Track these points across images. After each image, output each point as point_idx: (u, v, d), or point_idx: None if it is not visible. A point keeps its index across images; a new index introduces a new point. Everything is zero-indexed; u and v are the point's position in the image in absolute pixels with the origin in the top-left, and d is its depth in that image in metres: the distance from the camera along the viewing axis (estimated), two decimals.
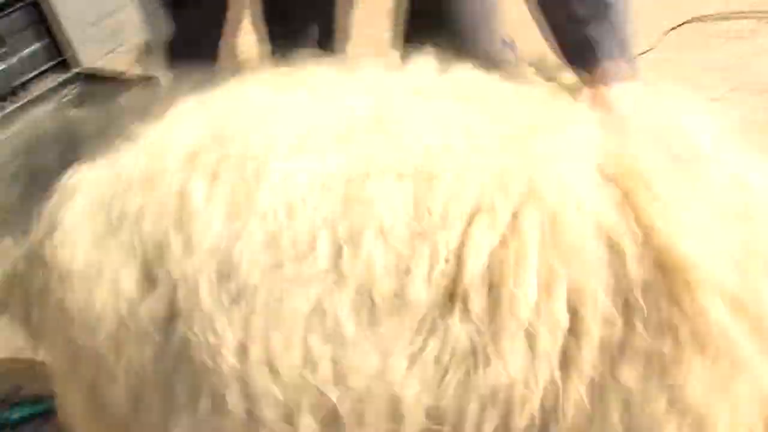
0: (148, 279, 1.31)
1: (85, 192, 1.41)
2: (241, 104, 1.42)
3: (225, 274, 1.25)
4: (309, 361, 1.22)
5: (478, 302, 1.17)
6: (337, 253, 1.21)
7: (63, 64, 3.51)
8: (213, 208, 1.28)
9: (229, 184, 1.28)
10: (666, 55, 3.55)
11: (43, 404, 2.28)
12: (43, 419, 2.27)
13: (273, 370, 1.22)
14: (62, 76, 3.47)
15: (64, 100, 3.39)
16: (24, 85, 3.39)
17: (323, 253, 1.21)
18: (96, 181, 1.41)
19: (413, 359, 1.19)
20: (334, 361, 1.21)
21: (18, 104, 3.32)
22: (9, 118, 3.22)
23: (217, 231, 1.27)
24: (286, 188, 1.25)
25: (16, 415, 2.29)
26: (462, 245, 1.19)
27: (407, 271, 1.19)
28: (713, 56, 3.53)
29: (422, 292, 1.18)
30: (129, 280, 1.32)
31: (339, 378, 1.21)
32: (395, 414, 1.22)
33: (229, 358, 1.23)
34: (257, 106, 1.41)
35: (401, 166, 1.24)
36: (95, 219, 1.37)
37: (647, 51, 3.53)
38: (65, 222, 1.39)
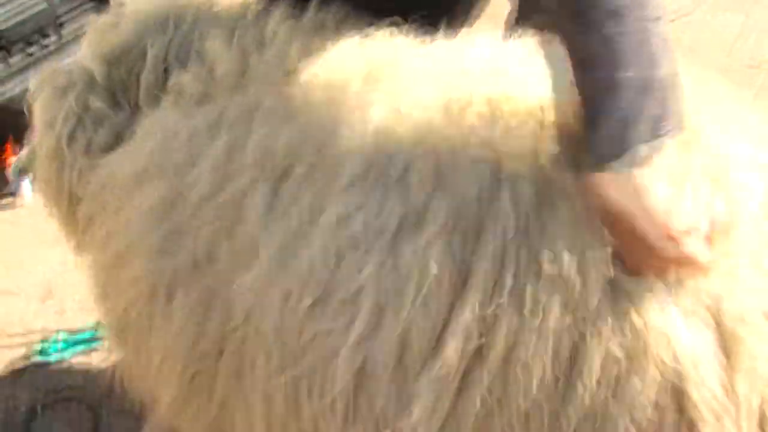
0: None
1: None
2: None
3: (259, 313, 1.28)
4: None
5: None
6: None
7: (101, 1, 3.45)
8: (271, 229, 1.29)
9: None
10: (704, 18, 3.54)
11: (78, 341, 2.41)
12: (81, 353, 2.39)
13: None
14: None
15: None
16: (63, 23, 3.34)
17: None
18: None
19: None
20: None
21: (59, 39, 3.30)
22: (52, 54, 3.22)
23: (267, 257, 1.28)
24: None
25: (56, 350, 2.38)
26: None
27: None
28: (750, 21, 3.51)
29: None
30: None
31: None
32: None
33: None
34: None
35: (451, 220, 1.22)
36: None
37: (687, 14, 3.53)
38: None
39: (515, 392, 1.20)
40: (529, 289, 1.18)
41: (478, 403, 1.21)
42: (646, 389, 1.16)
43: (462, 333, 1.19)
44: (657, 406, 1.16)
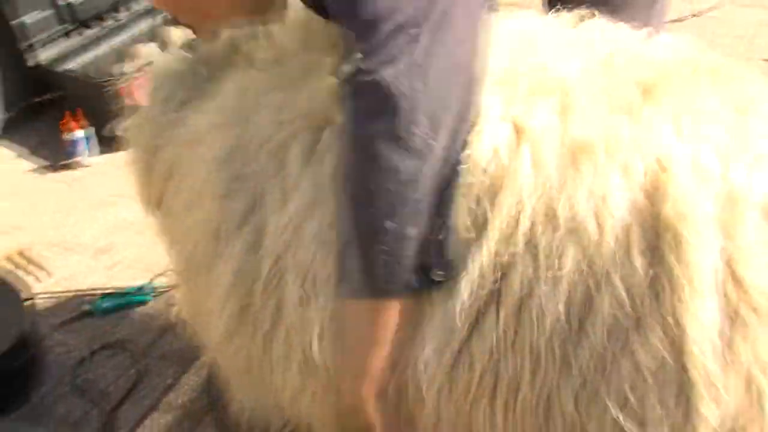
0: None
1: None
2: None
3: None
4: None
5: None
6: None
7: None
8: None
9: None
10: (726, 14, 3.50)
11: (126, 296, 2.44)
12: (127, 310, 2.43)
13: None
14: None
15: (160, 18, 3.43)
16: (125, 2, 3.41)
17: None
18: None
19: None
20: None
21: (129, 14, 3.38)
22: (122, 28, 3.31)
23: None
24: None
25: (105, 304, 2.42)
26: None
27: None
28: None
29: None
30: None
31: None
32: None
33: None
34: None
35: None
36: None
37: (712, 8, 3.49)
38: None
39: (529, 336, 1.20)
40: (545, 238, 1.18)
41: (493, 344, 1.22)
42: (651, 342, 1.16)
43: (477, 276, 1.21)
44: (661, 360, 1.16)
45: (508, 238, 1.20)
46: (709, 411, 1.16)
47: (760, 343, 1.14)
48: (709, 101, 1.27)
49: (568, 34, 1.44)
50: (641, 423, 1.19)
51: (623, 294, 1.16)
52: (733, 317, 1.14)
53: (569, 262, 1.17)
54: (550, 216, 1.19)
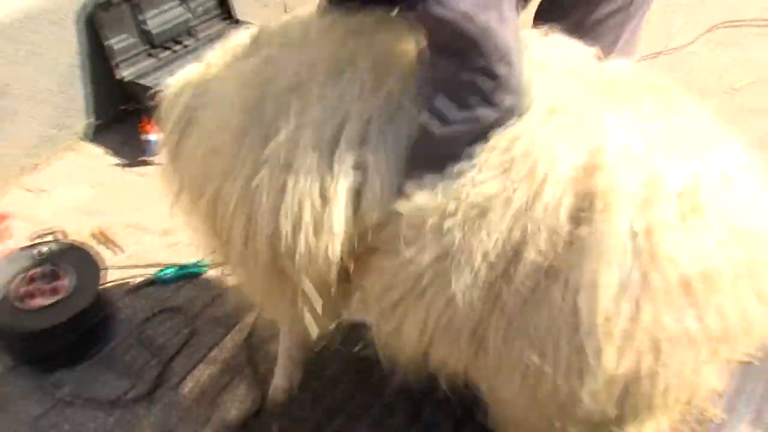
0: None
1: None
2: None
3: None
4: None
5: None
6: None
7: (229, 14, 3.67)
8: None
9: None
10: (701, 49, 3.54)
11: (185, 270, 2.57)
12: (184, 280, 2.55)
13: None
14: (226, 24, 3.62)
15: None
16: (195, 29, 3.56)
17: None
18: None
19: None
20: None
21: (195, 41, 3.52)
22: (189, 52, 3.45)
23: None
24: None
25: (167, 275, 2.56)
26: None
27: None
28: (737, 53, 3.49)
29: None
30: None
31: None
32: None
33: None
34: None
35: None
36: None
37: (687, 45, 3.51)
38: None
39: (476, 248, 1.26)
40: (515, 171, 1.26)
41: (441, 252, 1.29)
42: (565, 292, 1.21)
43: (467, 181, 1.29)
44: (573, 310, 1.20)
45: (502, 153, 1.29)
46: (610, 360, 1.20)
47: (661, 304, 1.20)
48: (647, 106, 1.35)
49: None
50: (553, 365, 1.25)
51: (548, 244, 1.21)
52: (642, 279, 1.19)
53: (519, 198, 1.24)
54: (524, 155, 1.27)
